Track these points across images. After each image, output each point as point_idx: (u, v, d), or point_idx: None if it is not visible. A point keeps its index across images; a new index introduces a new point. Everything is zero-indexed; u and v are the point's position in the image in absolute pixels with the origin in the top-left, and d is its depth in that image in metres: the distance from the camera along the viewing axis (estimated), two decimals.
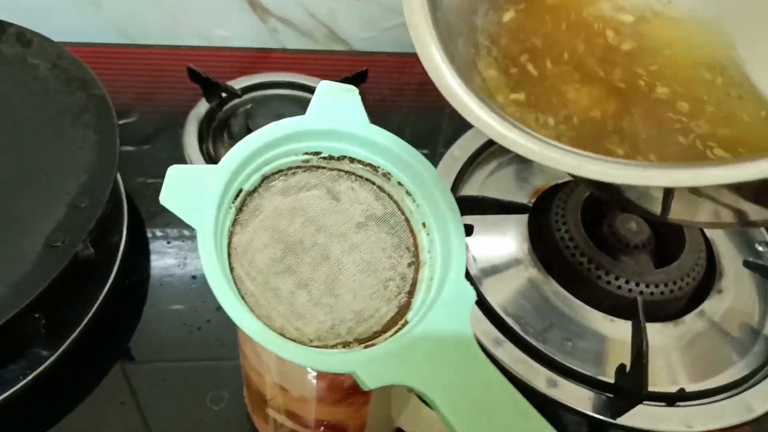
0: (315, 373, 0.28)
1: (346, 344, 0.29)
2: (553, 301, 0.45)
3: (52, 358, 0.39)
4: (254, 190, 0.31)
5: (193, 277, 0.45)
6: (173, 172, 0.28)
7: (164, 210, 0.49)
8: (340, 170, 0.33)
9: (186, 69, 0.54)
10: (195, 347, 0.41)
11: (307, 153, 0.32)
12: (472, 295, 0.28)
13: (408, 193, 0.32)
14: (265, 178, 0.31)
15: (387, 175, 0.32)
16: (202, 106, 0.55)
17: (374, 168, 0.32)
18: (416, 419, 0.35)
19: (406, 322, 0.29)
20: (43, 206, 0.40)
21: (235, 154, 0.29)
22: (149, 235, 0.48)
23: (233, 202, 0.30)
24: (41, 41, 0.48)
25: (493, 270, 0.47)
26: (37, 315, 0.37)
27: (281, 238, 0.31)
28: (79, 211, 0.39)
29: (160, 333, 0.42)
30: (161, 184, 0.52)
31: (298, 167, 0.32)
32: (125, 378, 0.40)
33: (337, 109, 0.32)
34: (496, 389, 0.27)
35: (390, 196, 0.33)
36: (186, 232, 0.48)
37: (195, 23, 0.62)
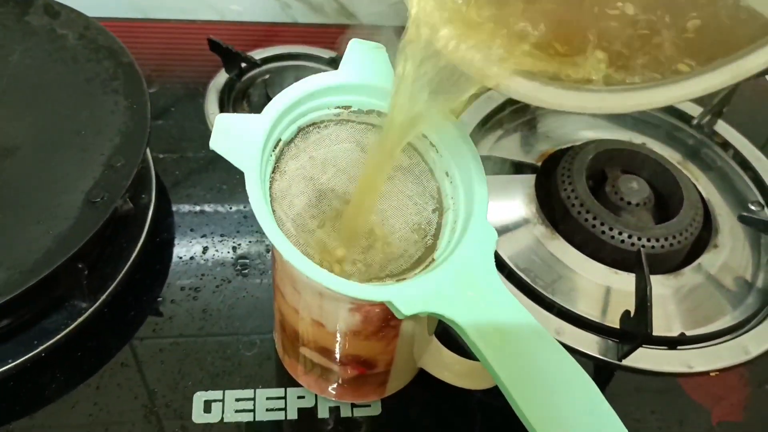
0: (352, 306, 0.31)
1: (380, 279, 0.31)
2: (560, 256, 0.48)
3: (92, 309, 0.41)
4: (291, 140, 0.33)
5: (212, 236, 0.47)
6: (221, 119, 0.30)
7: (187, 179, 0.51)
8: (368, 123, 0.35)
9: (203, 42, 0.56)
10: (224, 300, 0.44)
11: (338, 107, 0.34)
12: (494, 235, 0.31)
13: (432, 144, 0.34)
14: (300, 130, 0.34)
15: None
16: (221, 77, 0.57)
17: None
18: (437, 360, 0.38)
19: (433, 260, 0.32)
20: (81, 166, 0.42)
21: (274, 106, 0.32)
22: (174, 200, 0.50)
23: (273, 151, 0.32)
24: (69, 12, 0.50)
25: (504, 229, 0.50)
26: (80, 266, 0.39)
27: (316, 185, 0.33)
28: (116, 170, 0.42)
29: (190, 287, 0.44)
30: (185, 153, 0.54)
31: (330, 120, 0.35)
32: (159, 330, 0.42)
33: (366, 65, 0.34)
34: (517, 317, 0.29)
35: (414, 148, 0.35)
36: (209, 201, 0.50)
37: None
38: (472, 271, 0.30)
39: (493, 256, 0.30)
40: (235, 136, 0.30)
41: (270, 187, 0.32)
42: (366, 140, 0.35)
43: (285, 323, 0.36)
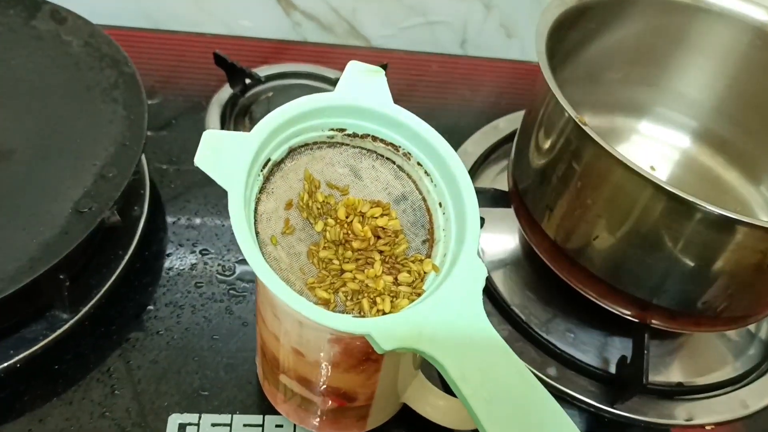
0: (331, 337, 0.30)
1: (361, 310, 0.30)
2: (556, 295, 0.46)
3: (72, 322, 0.40)
4: (281, 161, 0.32)
5: (204, 253, 0.46)
6: (208, 136, 0.29)
7: (184, 192, 0.50)
8: (362, 148, 0.34)
9: (209, 55, 0.56)
10: (209, 320, 0.43)
11: (332, 129, 0.33)
12: (484, 271, 0.30)
13: (426, 173, 0.33)
14: (291, 151, 0.33)
15: (407, 155, 0.34)
16: (225, 92, 0.56)
17: (395, 147, 0.34)
18: (420, 396, 0.37)
19: (421, 293, 0.31)
20: (73, 174, 0.41)
21: (265, 125, 0.31)
22: (168, 213, 0.49)
23: (261, 171, 0.31)
24: (75, 19, 0.50)
25: (500, 264, 0.49)
26: (62, 276, 0.38)
27: (305, 208, 0.32)
28: (107, 181, 0.41)
29: (176, 304, 0.43)
30: (182, 165, 0.53)
31: (323, 142, 0.34)
32: (140, 346, 0.41)
33: (363, 88, 0.33)
34: (501, 357, 0.28)
35: (409, 176, 0.34)
36: (203, 216, 0.49)
37: (220, 12, 0.64)
38: (458, 308, 0.29)
39: (480, 293, 0.29)
40: (222, 153, 0.29)
41: (256, 208, 0.31)
42: (359, 165, 0.34)
43: (266, 349, 0.35)
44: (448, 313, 0.28)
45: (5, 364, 0.38)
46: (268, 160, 0.32)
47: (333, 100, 0.33)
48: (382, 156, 0.34)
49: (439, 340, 0.28)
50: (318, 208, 0.32)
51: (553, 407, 0.28)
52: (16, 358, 0.38)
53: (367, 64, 0.34)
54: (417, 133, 0.33)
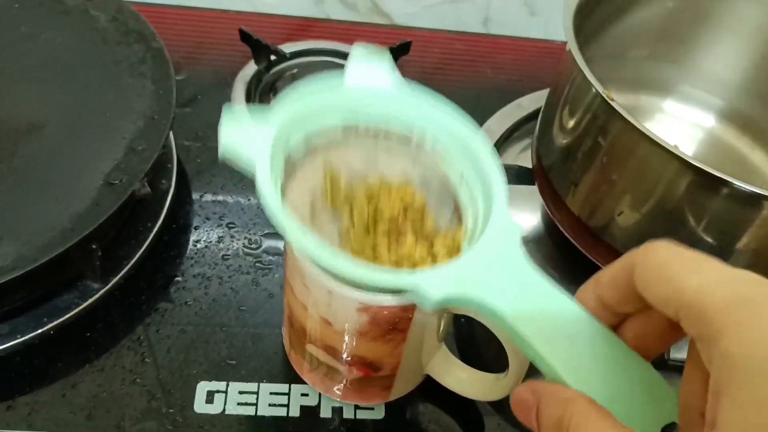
0: (360, 306, 0.30)
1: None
2: (579, 272, 0.46)
3: (103, 291, 0.41)
4: (298, 156, 0.33)
5: (230, 227, 0.47)
6: (226, 133, 0.30)
7: (209, 168, 0.51)
8: (376, 140, 0.35)
9: (234, 32, 0.56)
10: (236, 291, 0.43)
11: (345, 126, 0.34)
12: (518, 227, 0.29)
13: (443, 154, 0.34)
14: (308, 145, 0.33)
15: (420, 144, 0.34)
16: (250, 68, 0.57)
17: (407, 139, 0.34)
18: (444, 368, 0.37)
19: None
20: (103, 147, 0.42)
21: (278, 117, 0.31)
22: (194, 188, 0.50)
23: (282, 164, 0.32)
24: None
25: (523, 241, 0.49)
26: (94, 246, 0.39)
27: (329, 198, 0.33)
28: (137, 154, 0.42)
29: (203, 275, 0.44)
30: (207, 142, 0.54)
31: (338, 139, 0.34)
32: (168, 316, 0.42)
33: (371, 72, 0.34)
34: (552, 298, 0.27)
35: (425, 163, 0.35)
36: (229, 191, 0.50)
37: None
38: (501, 257, 0.28)
39: (520, 245, 0.29)
40: (242, 147, 0.29)
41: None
42: (376, 157, 0.34)
43: (293, 319, 0.35)
44: (492, 261, 0.28)
45: (39, 331, 0.38)
46: (287, 156, 0.32)
47: (342, 96, 0.33)
48: (397, 147, 0.35)
49: (486, 287, 0.27)
50: (343, 196, 0.33)
51: (614, 341, 0.26)
52: (50, 326, 0.39)
53: (370, 46, 0.34)
54: (428, 112, 0.33)
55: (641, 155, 0.36)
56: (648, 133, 0.35)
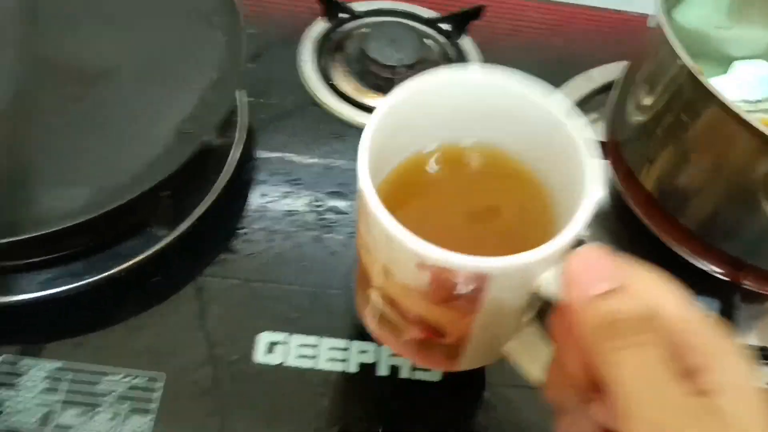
0: (418, 261, 0.29)
1: None
2: (644, 252, 0.45)
3: (168, 239, 0.41)
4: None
5: (295, 183, 0.47)
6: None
7: (273, 124, 0.51)
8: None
9: None
10: (299, 246, 0.44)
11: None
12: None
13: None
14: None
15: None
16: (319, 26, 0.56)
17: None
18: (527, 350, 0.34)
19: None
20: (174, 97, 0.42)
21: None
22: (259, 144, 0.50)
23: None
24: None
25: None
26: (163, 194, 0.40)
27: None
28: (208, 105, 0.42)
29: (267, 229, 0.44)
30: (271, 99, 0.53)
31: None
32: (231, 267, 0.42)
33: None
34: None
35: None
36: (293, 148, 0.50)
37: None
38: None
39: None
40: None
41: None
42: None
43: (360, 264, 0.35)
44: None
45: (105, 274, 0.39)
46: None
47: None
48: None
49: None
50: None
51: None
52: (115, 270, 0.40)
53: None
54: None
55: (727, 133, 0.35)
56: (737, 111, 0.33)
